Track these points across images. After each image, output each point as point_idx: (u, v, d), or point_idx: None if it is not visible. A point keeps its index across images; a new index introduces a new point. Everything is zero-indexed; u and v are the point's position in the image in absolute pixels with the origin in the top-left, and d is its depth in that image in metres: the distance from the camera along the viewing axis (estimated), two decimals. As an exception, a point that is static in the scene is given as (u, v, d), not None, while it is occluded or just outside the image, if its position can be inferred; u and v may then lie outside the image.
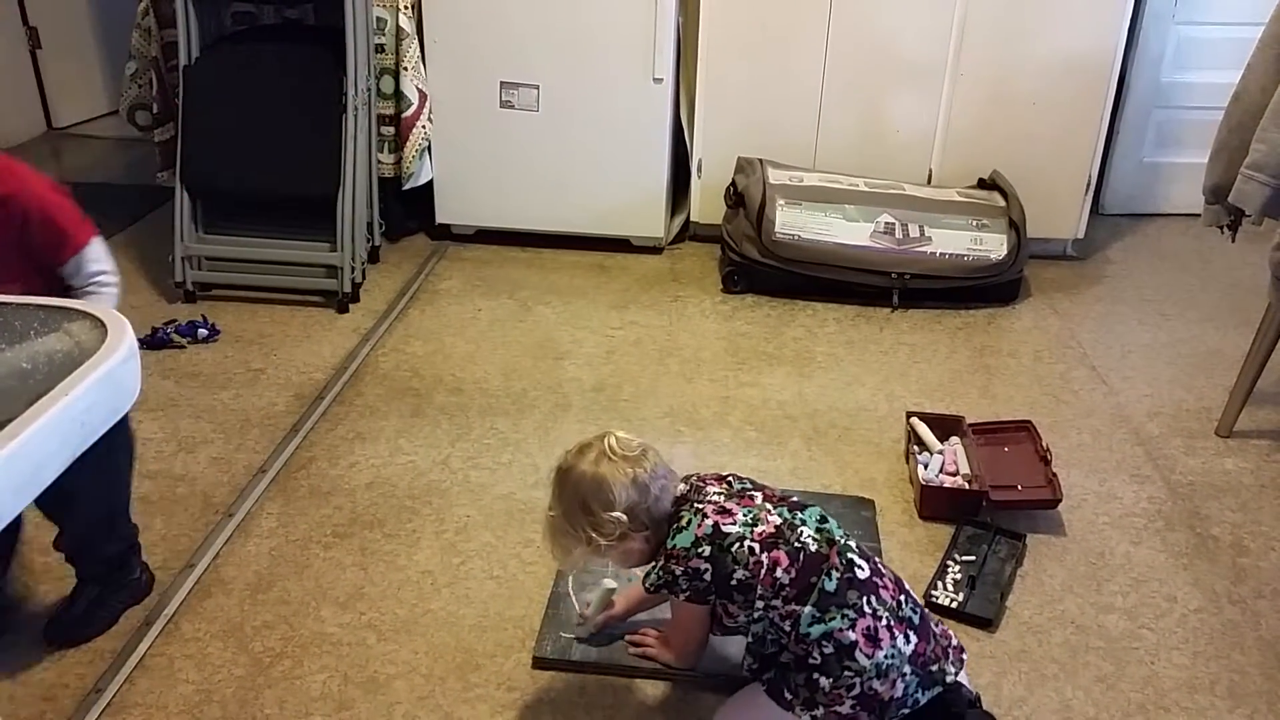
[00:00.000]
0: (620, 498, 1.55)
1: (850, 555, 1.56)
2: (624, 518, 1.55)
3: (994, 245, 3.11)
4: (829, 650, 1.49)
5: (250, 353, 2.78)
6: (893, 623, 1.52)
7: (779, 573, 1.52)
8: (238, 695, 1.70)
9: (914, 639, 1.53)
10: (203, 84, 3.00)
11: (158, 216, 3.51)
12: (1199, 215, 2.56)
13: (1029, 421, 2.39)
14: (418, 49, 3.22)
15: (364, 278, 3.16)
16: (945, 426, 2.37)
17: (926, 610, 1.62)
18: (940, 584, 1.97)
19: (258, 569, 1.98)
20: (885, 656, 1.50)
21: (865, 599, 1.52)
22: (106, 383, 0.76)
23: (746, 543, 1.53)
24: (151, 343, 2.76)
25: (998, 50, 3.25)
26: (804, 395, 2.64)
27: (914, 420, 2.38)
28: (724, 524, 1.56)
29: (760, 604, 1.53)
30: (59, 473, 0.71)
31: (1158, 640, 1.87)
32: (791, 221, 3.10)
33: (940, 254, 3.10)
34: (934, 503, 2.17)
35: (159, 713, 1.67)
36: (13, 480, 0.67)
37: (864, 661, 1.49)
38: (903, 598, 1.57)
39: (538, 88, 3.28)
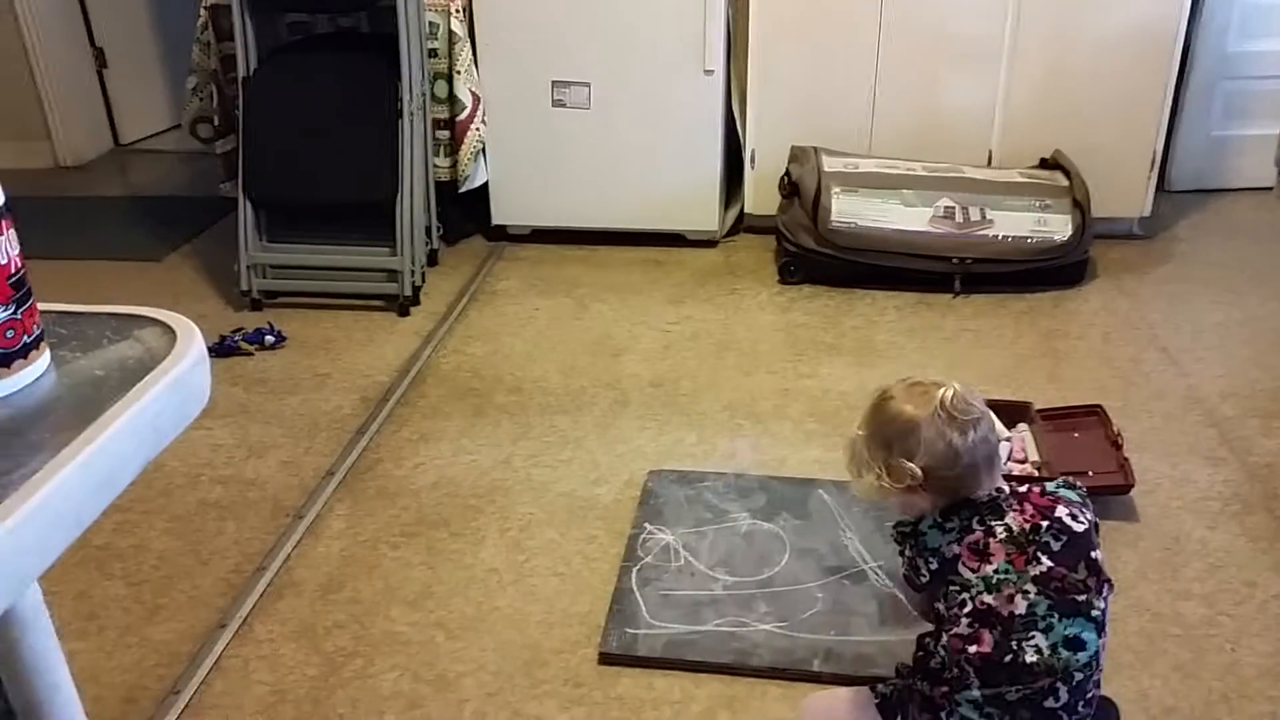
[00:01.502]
0: (922, 453, 1.41)
1: (1060, 688, 1.35)
2: (919, 472, 1.41)
3: (1058, 226, 3.05)
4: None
5: (316, 358, 2.83)
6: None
7: (971, 649, 1.36)
8: (311, 695, 1.73)
9: None
10: (261, 95, 3.06)
11: (222, 227, 3.58)
12: (1270, 188, 2.49)
13: (1099, 406, 2.34)
14: (470, 52, 3.25)
15: (424, 281, 3.20)
16: (1012, 413, 2.33)
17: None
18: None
19: (328, 570, 2.02)
20: None
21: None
22: (177, 388, 0.77)
23: (964, 595, 1.38)
24: (220, 351, 2.82)
25: (1056, 25, 3.18)
26: (865, 385, 2.61)
27: (979, 407, 2.34)
28: (966, 563, 1.40)
29: (944, 631, 1.40)
30: (134, 476, 0.73)
31: (1238, 627, 1.82)
32: (848, 209, 3.07)
33: (1003, 237, 3.04)
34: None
35: (235, 713, 1.71)
36: (91, 484, 0.69)
37: None
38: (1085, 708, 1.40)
39: (589, 85, 3.29)
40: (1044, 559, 1.38)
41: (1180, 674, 1.73)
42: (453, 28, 3.19)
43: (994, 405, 2.33)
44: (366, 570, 2.01)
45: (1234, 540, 2.03)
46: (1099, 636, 1.39)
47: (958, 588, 1.39)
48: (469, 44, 3.24)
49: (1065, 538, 1.40)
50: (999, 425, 2.16)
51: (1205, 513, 2.11)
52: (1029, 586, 1.36)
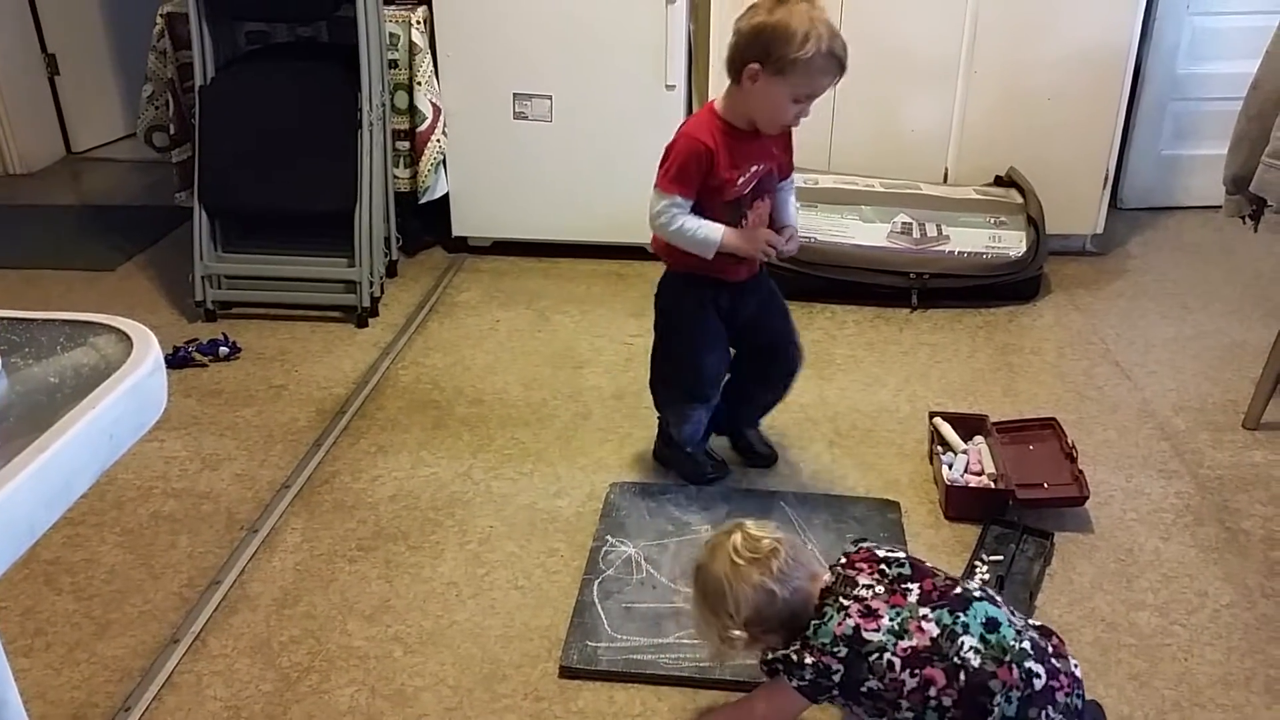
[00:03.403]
0: (743, 606, 1.46)
1: (1028, 664, 1.41)
2: (743, 634, 1.48)
3: (1013, 242, 3.10)
4: None
5: (271, 369, 2.79)
6: None
7: (933, 692, 1.39)
8: (266, 711, 1.70)
9: None
10: (218, 104, 3.02)
11: (177, 237, 3.54)
12: (1219, 207, 2.54)
13: (1054, 419, 2.38)
14: (431, 63, 3.24)
15: (382, 292, 3.17)
16: (969, 426, 2.36)
17: (1079, 674, 1.51)
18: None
19: (283, 584, 1.99)
20: None
21: (1043, 712, 1.41)
22: (133, 395, 0.76)
23: (887, 656, 1.41)
24: (173, 362, 2.77)
25: (1011, 47, 3.23)
26: (825, 398, 2.63)
27: (937, 420, 2.37)
28: (866, 628, 1.43)
29: (909, 714, 1.41)
30: (88, 485, 0.71)
31: (1190, 637, 1.85)
32: (807, 224, 3.08)
33: (959, 253, 3.08)
34: (960, 503, 2.15)
35: (189, 729, 1.67)
36: (45, 493, 0.67)
37: None
38: (1072, 686, 1.46)
39: (551, 98, 3.29)
40: (909, 585, 1.49)
41: (1135, 683, 1.75)
42: (414, 39, 3.17)
43: (951, 419, 2.37)
44: (323, 584, 1.99)
45: (1186, 551, 2.07)
46: (998, 606, 1.48)
47: (875, 652, 1.42)
48: (430, 55, 3.23)
49: (905, 563, 1.52)
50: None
51: (1158, 524, 2.15)
52: (923, 610, 1.45)
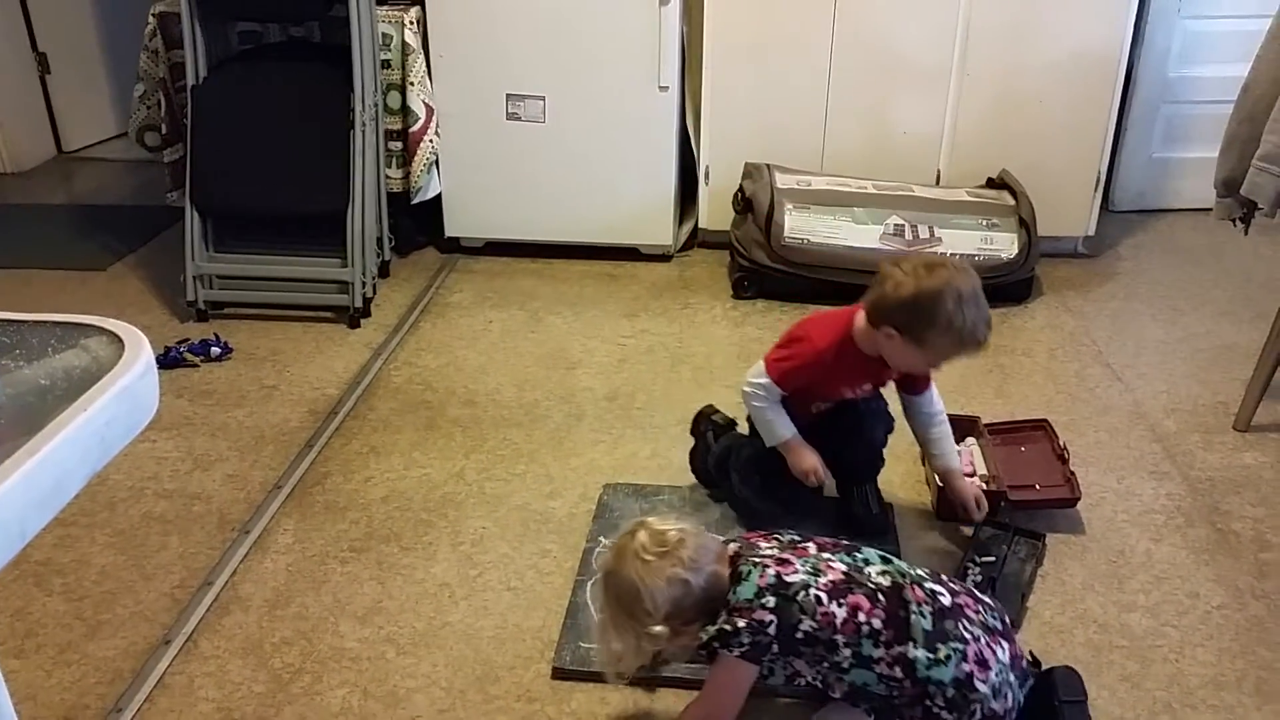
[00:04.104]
0: (659, 602, 1.47)
1: (928, 584, 1.53)
2: (665, 630, 1.48)
3: (1004, 244, 3.10)
4: (951, 692, 1.46)
5: (263, 370, 2.78)
6: (986, 639, 1.50)
7: (862, 617, 1.48)
8: (258, 712, 1.70)
9: (1006, 645, 1.52)
10: (211, 104, 3.01)
11: (168, 237, 3.53)
12: (1210, 209, 2.55)
13: (1045, 420, 2.38)
14: (423, 64, 3.23)
15: (375, 292, 3.17)
16: (961, 427, 2.36)
17: (998, 605, 1.60)
18: (961, 585, 1.95)
19: (275, 585, 1.98)
20: (995, 675, 1.48)
21: (959, 625, 1.49)
22: (125, 397, 0.76)
23: (812, 591, 1.49)
24: (165, 362, 2.76)
25: (1003, 50, 3.24)
26: (818, 399, 2.63)
27: (929, 422, 2.37)
28: (786, 574, 1.50)
29: (847, 651, 1.48)
30: (80, 487, 0.71)
31: (1181, 638, 1.86)
32: (800, 226, 3.10)
33: (950, 254, 3.08)
34: (951, 504, 2.15)
35: (180, 731, 1.67)
36: (35, 496, 0.67)
37: (982, 689, 1.46)
38: (981, 607, 1.54)
39: (544, 99, 3.29)
40: (806, 544, 1.60)
41: (1127, 684, 1.75)
42: (406, 39, 3.17)
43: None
44: (315, 585, 1.98)
45: (1177, 553, 2.07)
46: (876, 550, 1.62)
47: (800, 590, 1.49)
48: (422, 55, 3.23)
49: (794, 533, 1.64)
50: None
51: (1149, 526, 2.15)
52: (825, 555, 1.57)
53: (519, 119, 3.31)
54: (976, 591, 1.60)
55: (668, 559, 1.49)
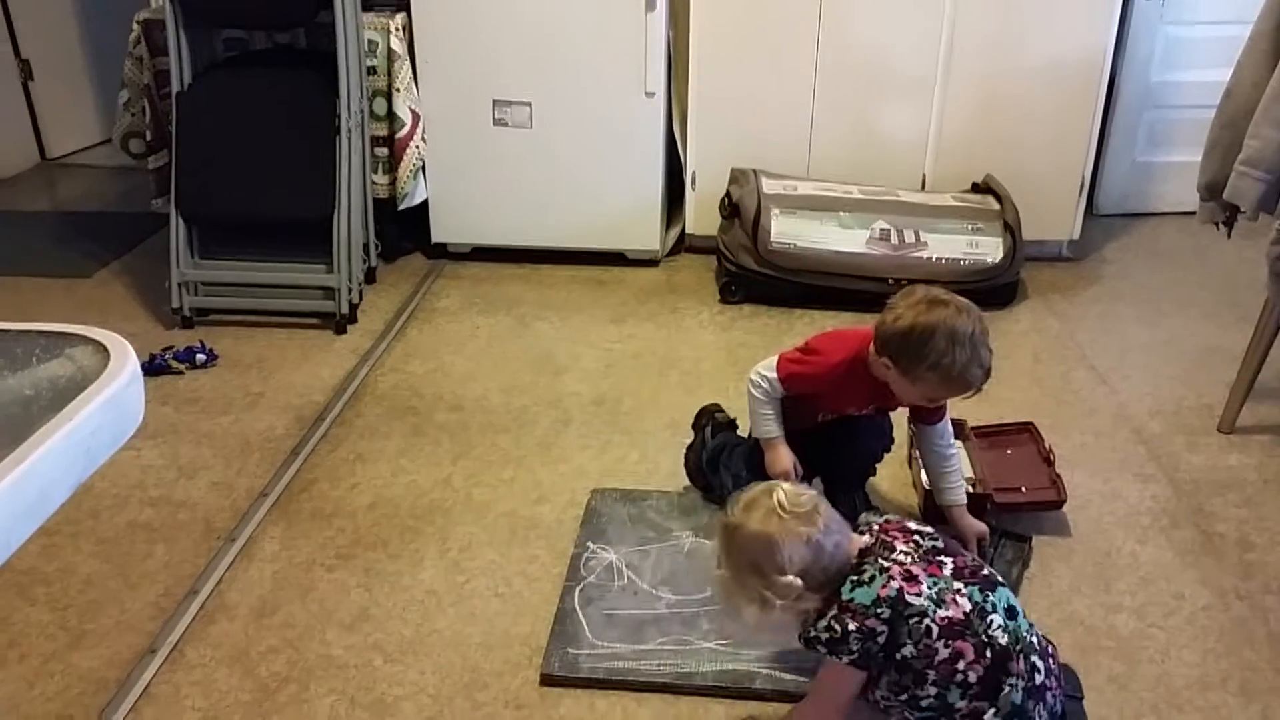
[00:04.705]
0: (794, 560, 1.44)
1: (1033, 658, 1.49)
2: (799, 582, 1.45)
3: (990, 248, 3.12)
4: None
5: (249, 377, 2.77)
6: None
7: (961, 665, 1.43)
8: (245, 721, 1.69)
9: None
10: (196, 110, 3.00)
11: (153, 243, 3.51)
12: (1193, 213, 2.57)
13: (1031, 423, 2.39)
14: (409, 70, 3.23)
15: (361, 299, 3.16)
16: (947, 431, 2.37)
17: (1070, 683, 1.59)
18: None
19: (261, 593, 1.97)
20: None
21: (1039, 708, 1.47)
22: (110, 406, 0.76)
23: (926, 621, 1.43)
24: (149, 369, 2.75)
25: (988, 56, 3.26)
26: (805, 404, 2.63)
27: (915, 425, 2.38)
28: (909, 592, 1.44)
29: (932, 689, 1.44)
30: (65, 498, 0.71)
31: (1168, 639, 1.87)
32: (787, 230, 3.10)
33: (936, 259, 3.10)
34: (938, 507, 2.16)
35: (167, 740, 1.66)
36: (20, 506, 0.67)
37: None
38: (1060, 689, 1.53)
39: (530, 105, 3.29)
40: (944, 559, 1.51)
41: (1114, 685, 1.76)
42: (392, 45, 3.17)
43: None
44: (301, 593, 1.97)
45: (1162, 554, 2.09)
46: (1015, 596, 1.55)
47: (916, 616, 1.43)
48: (408, 61, 3.22)
49: (937, 537, 1.57)
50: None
51: (1135, 527, 2.16)
52: (956, 584, 1.48)
53: (505, 125, 3.31)
54: (1055, 655, 1.57)
55: (803, 520, 1.46)
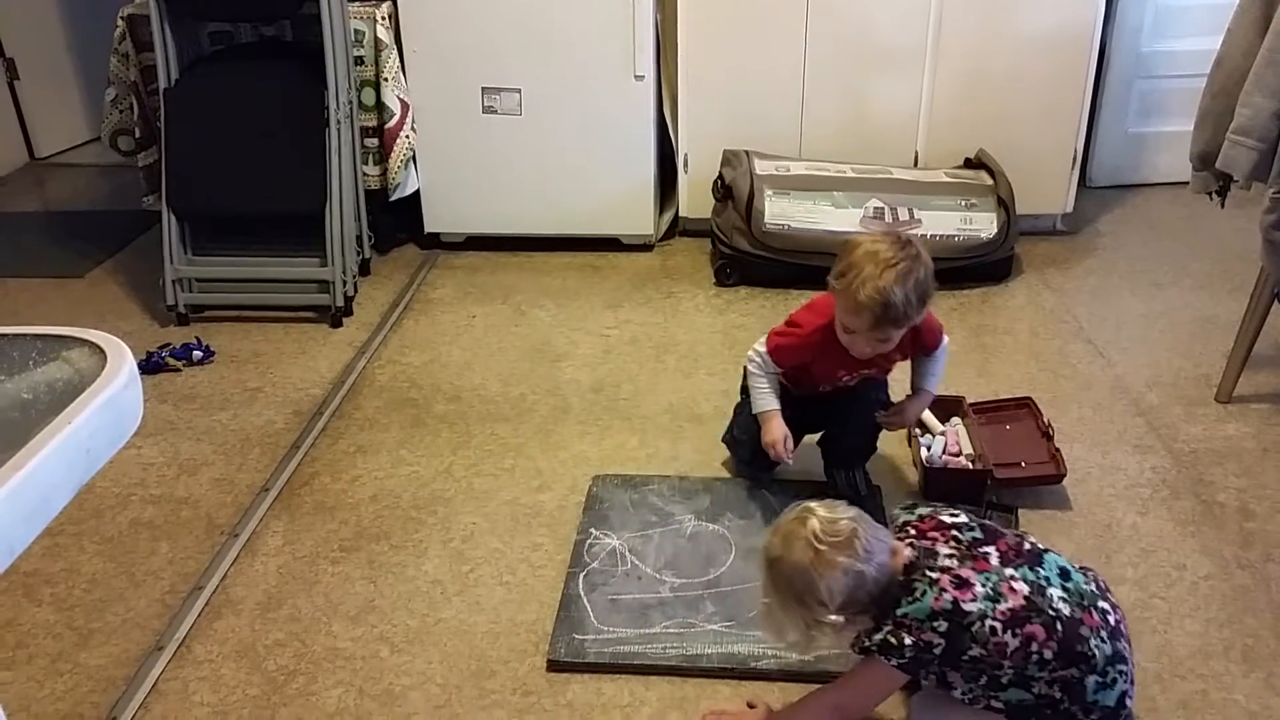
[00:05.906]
0: (834, 592, 1.42)
1: (1101, 604, 1.50)
2: (840, 619, 1.44)
3: (984, 224, 3.11)
4: (1109, 712, 1.47)
5: (246, 372, 2.77)
6: (1129, 651, 1.53)
7: (1035, 647, 1.43)
8: (254, 715, 1.70)
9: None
10: (183, 106, 2.99)
11: (146, 241, 3.50)
12: (1186, 183, 2.56)
13: (1029, 398, 2.40)
14: (397, 59, 3.21)
15: (356, 291, 3.16)
16: (945, 407, 2.37)
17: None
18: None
19: (266, 588, 1.98)
20: (1133, 686, 1.52)
21: (1120, 641, 1.50)
22: (109, 408, 0.75)
23: (988, 622, 1.42)
24: (146, 367, 2.74)
25: (977, 29, 3.25)
26: (803, 384, 2.63)
27: (914, 403, 2.38)
28: (963, 600, 1.43)
29: (1010, 671, 1.44)
30: (67, 501, 0.71)
31: (1170, 609, 1.88)
32: (781, 211, 3.10)
33: (931, 235, 3.09)
34: (938, 484, 2.16)
35: (176, 737, 1.67)
36: (22, 511, 0.67)
37: (1131, 705, 1.51)
38: (1121, 615, 1.55)
39: (519, 91, 3.27)
40: (988, 549, 1.50)
41: (1116, 657, 1.77)
42: (379, 35, 3.15)
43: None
44: (306, 586, 1.98)
45: (1163, 525, 2.09)
46: (1058, 554, 1.56)
47: (976, 621, 1.43)
48: (396, 51, 3.21)
49: (975, 525, 1.55)
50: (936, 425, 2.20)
51: (1135, 499, 2.17)
52: (1008, 571, 1.48)
53: (495, 112, 3.30)
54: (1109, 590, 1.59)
55: (841, 549, 1.43)
